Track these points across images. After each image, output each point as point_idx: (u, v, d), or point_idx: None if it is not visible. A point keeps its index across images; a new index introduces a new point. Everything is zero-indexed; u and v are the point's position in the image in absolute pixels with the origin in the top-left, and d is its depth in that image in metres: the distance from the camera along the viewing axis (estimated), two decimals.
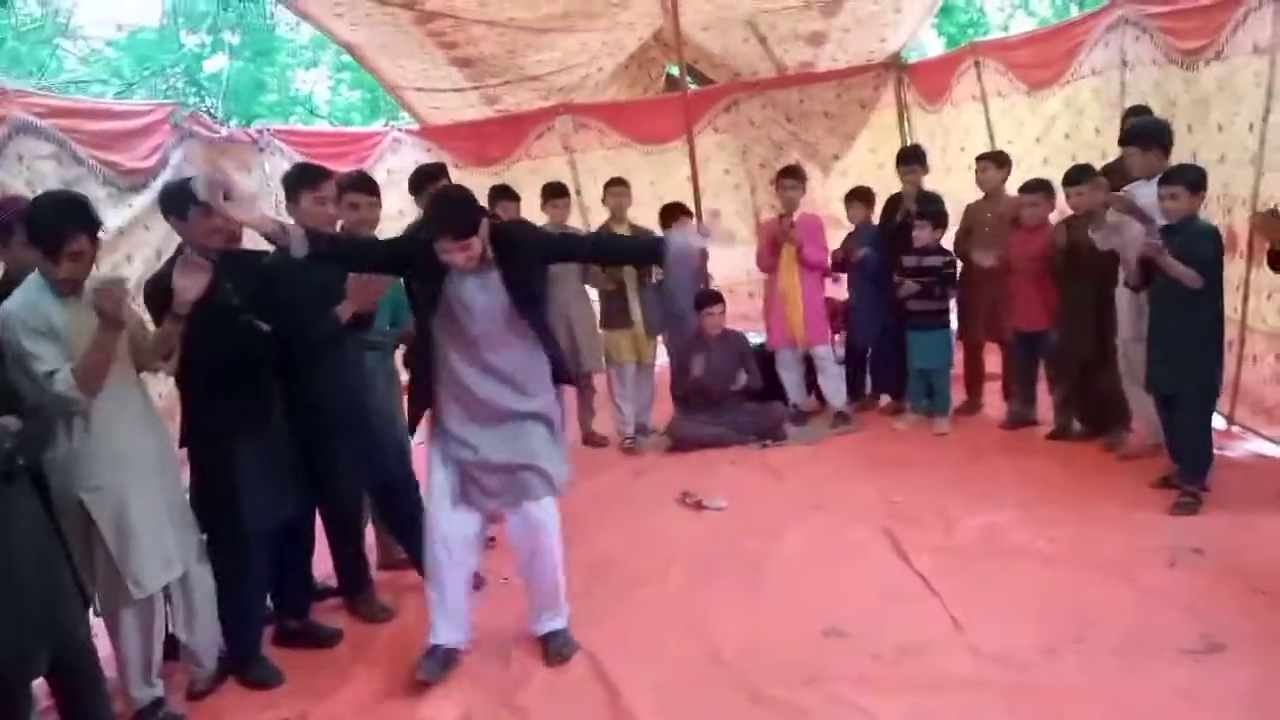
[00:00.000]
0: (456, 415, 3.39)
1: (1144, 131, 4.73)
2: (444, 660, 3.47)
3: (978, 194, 6.18)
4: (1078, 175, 5.19)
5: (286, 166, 6.82)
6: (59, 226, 2.95)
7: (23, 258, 3.20)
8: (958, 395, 6.24)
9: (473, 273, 3.25)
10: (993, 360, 6.23)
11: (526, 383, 3.43)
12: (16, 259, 3.31)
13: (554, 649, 3.55)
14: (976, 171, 6.05)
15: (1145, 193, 4.64)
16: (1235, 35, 4.93)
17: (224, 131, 6.67)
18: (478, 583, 4.23)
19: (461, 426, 3.39)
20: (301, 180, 3.84)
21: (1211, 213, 4.71)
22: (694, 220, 6.48)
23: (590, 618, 3.81)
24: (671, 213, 6.51)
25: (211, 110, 13.61)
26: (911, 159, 6.40)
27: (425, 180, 4.90)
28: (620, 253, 4.54)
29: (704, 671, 3.33)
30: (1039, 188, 5.56)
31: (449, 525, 3.43)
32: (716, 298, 6.30)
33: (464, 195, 3.35)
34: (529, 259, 3.43)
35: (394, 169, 7.84)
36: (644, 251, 4.18)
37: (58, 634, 2.72)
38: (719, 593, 3.95)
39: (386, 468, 4.05)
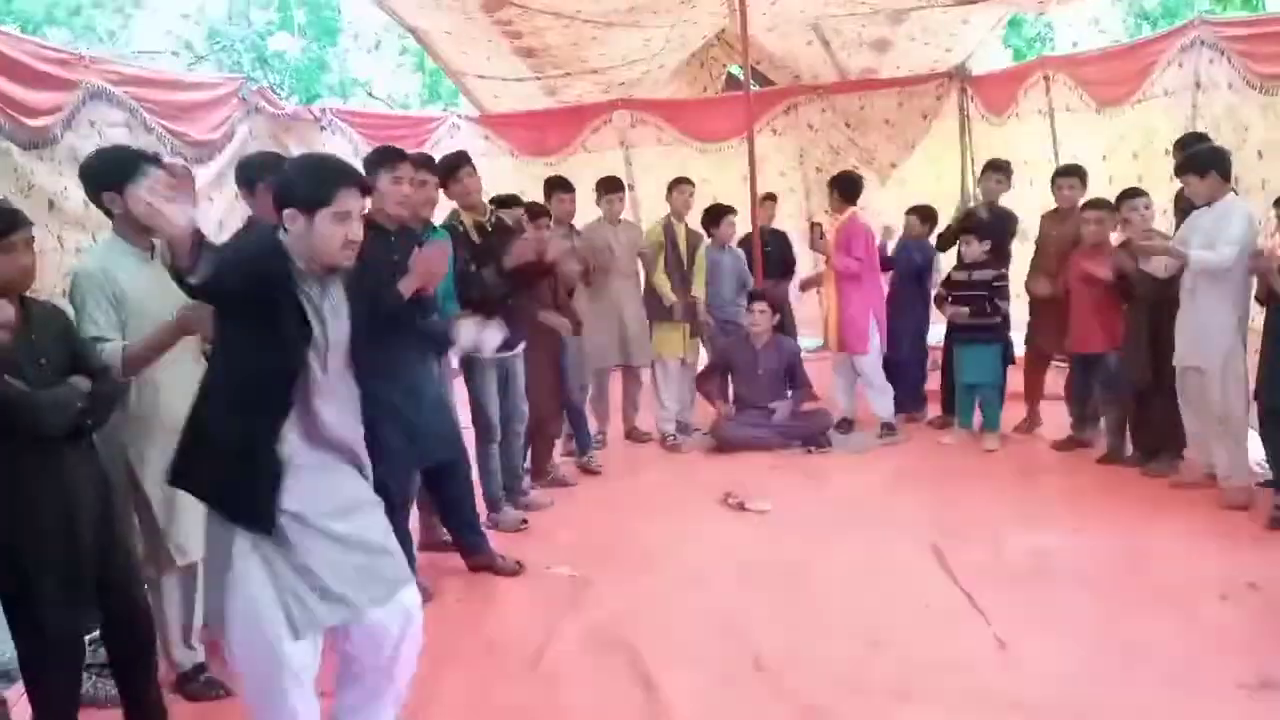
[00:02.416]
0: (294, 489, 2.41)
1: (1199, 159, 4.64)
2: None
3: (1036, 208, 6.11)
4: (1132, 194, 5.14)
5: (347, 146, 6.94)
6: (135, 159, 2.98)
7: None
8: (1017, 412, 6.17)
9: (325, 283, 2.46)
10: (1054, 379, 6.15)
11: (360, 448, 2.63)
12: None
13: None
14: (1060, 188, 5.93)
15: (1205, 222, 4.55)
16: None
17: (288, 109, 6.75)
18: (516, 570, 4.26)
19: (302, 506, 2.42)
20: (381, 161, 3.86)
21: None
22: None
23: (632, 615, 3.81)
24: (714, 214, 6.51)
25: (275, 87, 13.78)
26: (997, 169, 6.38)
27: (454, 168, 4.65)
28: (400, 327, 3.24)
29: (745, 676, 3.30)
30: (1101, 206, 5.47)
31: (299, 655, 2.44)
32: (758, 295, 6.23)
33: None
34: (364, 281, 2.62)
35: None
36: (427, 337, 3.34)
37: (112, 592, 2.76)
38: (761, 597, 3.93)
39: (438, 451, 4.05)
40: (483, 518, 4.57)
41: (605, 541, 4.64)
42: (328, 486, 2.49)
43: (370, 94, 18.21)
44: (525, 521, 4.86)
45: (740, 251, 6.75)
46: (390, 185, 3.80)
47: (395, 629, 2.57)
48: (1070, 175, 5.94)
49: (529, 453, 5.37)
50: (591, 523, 4.91)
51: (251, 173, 3.57)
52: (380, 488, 2.70)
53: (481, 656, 3.54)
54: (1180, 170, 4.72)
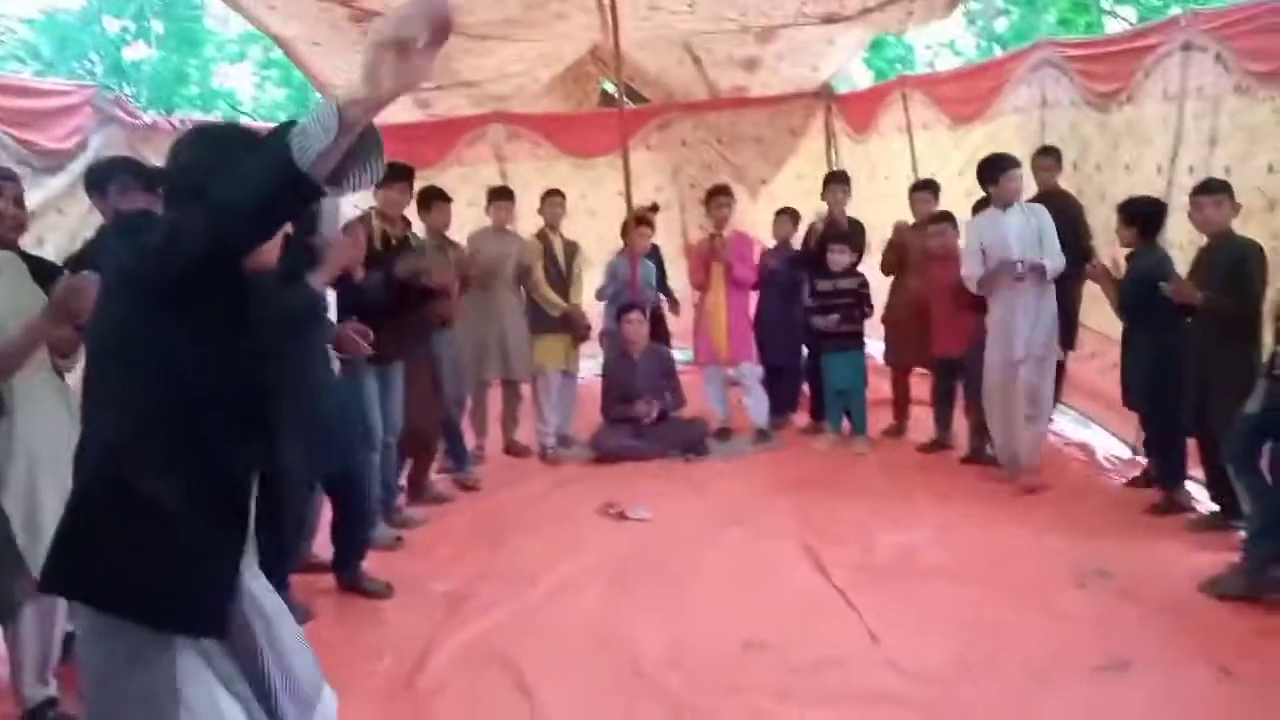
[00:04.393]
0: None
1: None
2: None
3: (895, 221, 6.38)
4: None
5: None
6: None
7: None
8: (885, 418, 6.36)
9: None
10: (920, 386, 6.38)
11: None
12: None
13: None
14: (915, 202, 6.19)
15: (1010, 222, 5.02)
16: (1147, 81, 5.17)
17: (146, 119, 6.48)
18: (386, 592, 4.15)
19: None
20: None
21: (1118, 251, 4.92)
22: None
23: (511, 627, 3.77)
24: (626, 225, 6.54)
25: (132, 98, 13.24)
26: (840, 179, 6.64)
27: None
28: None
29: (624, 682, 3.31)
30: (944, 218, 5.76)
31: None
32: (633, 305, 6.30)
33: None
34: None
35: None
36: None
37: None
38: (640, 604, 3.94)
39: (335, 459, 3.89)
40: None
41: (484, 556, 4.59)
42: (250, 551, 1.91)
43: (235, 108, 17.66)
44: (400, 539, 4.76)
45: (650, 264, 6.82)
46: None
47: None
48: (924, 189, 6.23)
49: (405, 469, 5.27)
50: (469, 538, 4.84)
51: (102, 177, 3.42)
52: (274, 513, 2.14)
53: (357, 677, 3.44)
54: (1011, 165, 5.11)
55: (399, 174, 4.84)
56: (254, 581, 1.91)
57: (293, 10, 6.62)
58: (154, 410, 1.70)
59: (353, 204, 4.24)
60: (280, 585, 3.79)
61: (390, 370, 4.66)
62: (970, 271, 5.12)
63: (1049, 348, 5.07)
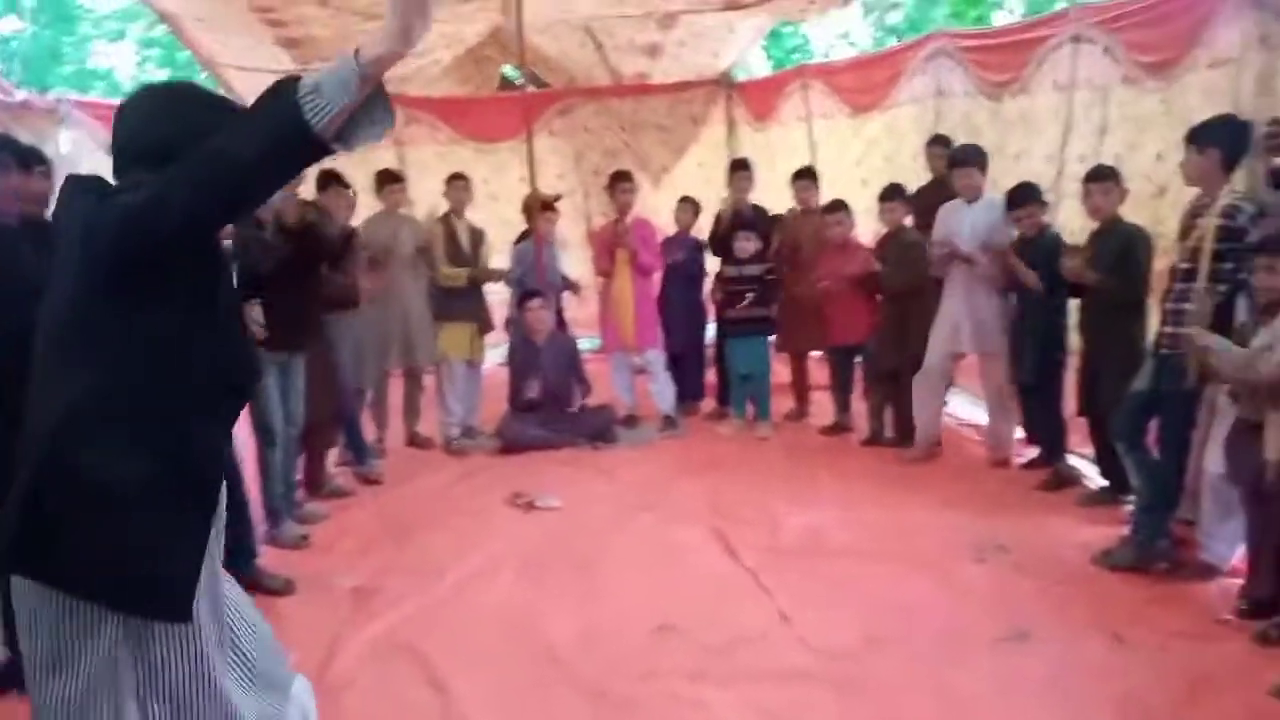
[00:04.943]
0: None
1: (975, 154, 5.09)
2: None
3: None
4: (889, 193, 5.55)
5: (89, 140, 6.38)
6: None
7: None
8: (786, 403, 6.43)
9: None
10: (818, 371, 6.48)
11: None
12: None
13: None
14: (797, 190, 6.27)
15: (967, 214, 4.99)
16: (1038, 71, 5.34)
17: (18, 97, 6.13)
18: (286, 589, 4.02)
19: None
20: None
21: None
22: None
23: (420, 620, 3.70)
24: (529, 209, 6.46)
25: (1, 75, 12.52)
26: (743, 167, 6.65)
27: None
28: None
29: (539, 671, 3.28)
30: (840, 207, 5.85)
31: None
32: (535, 292, 6.22)
33: None
34: None
35: None
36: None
37: None
38: (551, 592, 3.91)
39: None
40: (261, 530, 4.31)
41: (389, 550, 4.48)
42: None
43: (115, 88, 16.88)
44: (306, 536, 4.61)
45: (557, 250, 6.80)
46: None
47: None
48: (804, 178, 6.32)
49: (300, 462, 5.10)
50: (374, 532, 4.72)
51: None
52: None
53: None
54: (955, 164, 5.15)
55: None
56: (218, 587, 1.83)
57: None
58: (118, 387, 1.61)
59: None
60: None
61: (291, 362, 4.51)
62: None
63: (999, 343, 5.09)
